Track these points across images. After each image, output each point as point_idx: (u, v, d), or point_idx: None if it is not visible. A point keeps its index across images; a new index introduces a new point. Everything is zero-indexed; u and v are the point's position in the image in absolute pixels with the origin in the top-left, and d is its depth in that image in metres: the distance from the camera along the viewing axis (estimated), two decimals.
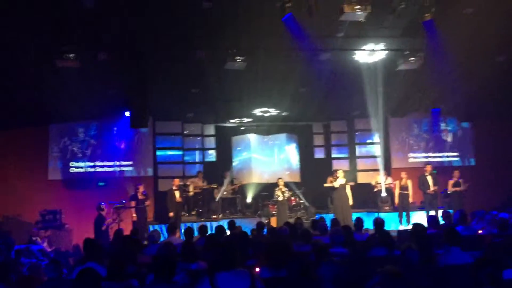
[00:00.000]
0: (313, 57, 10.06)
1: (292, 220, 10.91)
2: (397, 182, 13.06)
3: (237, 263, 4.15)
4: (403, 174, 12.97)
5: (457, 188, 12.84)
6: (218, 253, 4.24)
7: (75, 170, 13.73)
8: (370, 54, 10.15)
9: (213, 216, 13.15)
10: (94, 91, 10.76)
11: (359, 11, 7.82)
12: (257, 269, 4.56)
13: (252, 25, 8.52)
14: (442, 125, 15.76)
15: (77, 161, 13.79)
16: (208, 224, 12.21)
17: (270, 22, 8.19)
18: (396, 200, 12.86)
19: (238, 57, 9.50)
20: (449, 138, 15.87)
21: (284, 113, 14.79)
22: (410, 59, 10.13)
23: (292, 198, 13.72)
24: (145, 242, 8.25)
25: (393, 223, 13.05)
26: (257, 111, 14.19)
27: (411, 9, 8.18)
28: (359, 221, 7.67)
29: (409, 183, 12.78)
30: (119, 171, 14.00)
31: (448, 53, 9.78)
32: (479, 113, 12.00)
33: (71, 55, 8.78)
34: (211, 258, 4.74)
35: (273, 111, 14.08)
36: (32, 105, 11.40)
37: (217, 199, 13.70)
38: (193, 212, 13.57)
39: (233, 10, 8.08)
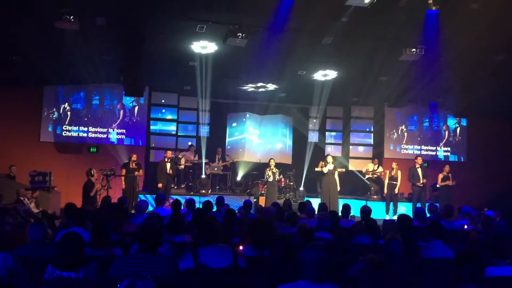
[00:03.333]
0: (315, 40, 10.01)
1: (280, 201, 10.99)
2: (387, 172, 13.12)
3: (220, 239, 4.18)
4: (394, 165, 13.03)
5: (446, 182, 12.95)
6: (203, 228, 4.27)
7: (67, 134, 13.70)
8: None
9: (202, 191, 13.19)
10: (91, 56, 10.64)
11: None
12: (241, 247, 4.59)
13: (253, 2, 8.42)
14: (441, 121, 15.85)
15: (70, 125, 13.75)
16: (196, 198, 12.28)
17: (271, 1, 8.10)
18: (385, 190, 12.94)
19: (240, 34, 9.41)
20: (446, 134, 15.95)
21: (281, 94, 14.74)
22: (412, 50, 10.09)
23: (282, 179, 13.75)
24: (133, 212, 8.28)
25: (380, 212, 13.17)
26: (254, 85, 14.13)
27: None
28: (346, 207, 7.72)
29: (399, 174, 12.84)
30: (110, 138, 13.96)
31: (448, 47, 9.75)
32: (474, 110, 12.01)
33: (71, 17, 8.64)
34: (196, 232, 4.78)
35: (271, 87, 13.98)
36: (29, 65, 11.27)
37: (207, 174, 13.73)
38: (182, 186, 13.58)
39: None
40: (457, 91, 11.15)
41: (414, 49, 10.10)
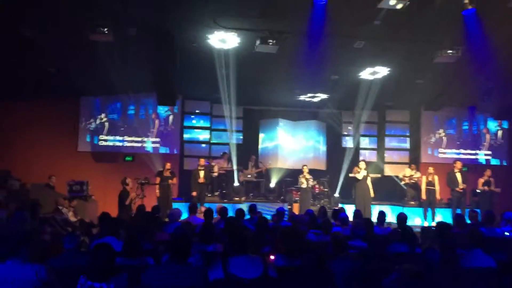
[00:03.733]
0: (347, 45, 9.88)
1: (315, 208, 10.85)
2: (423, 177, 12.76)
3: (251, 248, 4.13)
4: (431, 169, 12.64)
5: (487, 188, 12.47)
6: (233, 237, 4.23)
7: (104, 143, 14.00)
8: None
9: (236, 198, 13.19)
10: (125, 66, 10.82)
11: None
12: (272, 257, 4.52)
13: (286, 8, 8.36)
14: (482, 124, 15.38)
15: (106, 135, 14.04)
16: (230, 206, 12.28)
17: (302, 6, 8.02)
18: (423, 196, 12.55)
19: (270, 40, 9.39)
20: (487, 137, 15.43)
21: (315, 99, 14.63)
22: (448, 51, 9.82)
23: (316, 186, 13.59)
24: (166, 220, 8.32)
25: (418, 219, 12.84)
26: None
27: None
28: (382, 214, 7.52)
29: (436, 179, 12.46)
30: (146, 147, 14.17)
31: (487, 48, 9.42)
32: None
33: (105, 29, 8.83)
34: (227, 242, 4.74)
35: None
36: (65, 77, 11.59)
37: (241, 182, 13.73)
38: (216, 193, 13.62)
39: None
40: (497, 92, 10.74)
41: (450, 51, 9.83)
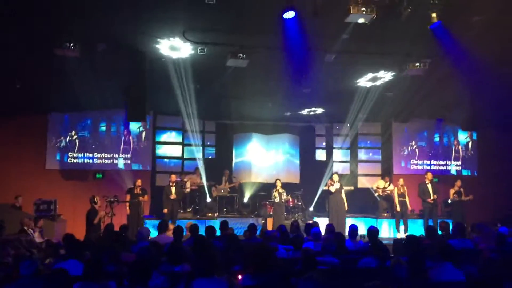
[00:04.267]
0: (316, 58, 9.91)
1: (289, 222, 10.76)
2: (395, 189, 12.85)
3: (219, 268, 4.01)
4: (401, 181, 12.77)
5: (462, 198, 12.61)
6: (200, 258, 4.11)
7: (73, 160, 13.66)
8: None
9: (209, 214, 13.02)
10: (93, 82, 10.59)
11: (364, 14, 7.65)
12: (239, 277, 4.41)
13: (256, 22, 8.34)
14: (452, 136, 15.61)
15: (75, 152, 13.71)
16: (203, 222, 12.12)
17: (271, 21, 8.01)
18: (397, 208, 12.62)
19: (240, 54, 9.36)
20: (457, 148, 15.65)
21: (286, 113, 14.65)
22: (416, 64, 9.96)
23: (290, 199, 13.54)
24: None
25: (391, 231, 12.90)
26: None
27: (418, 13, 7.98)
28: (353, 229, 7.46)
29: (405, 190, 12.57)
30: (117, 164, 13.89)
31: (455, 59, 9.58)
32: (483, 123, 11.74)
33: (70, 44, 8.66)
34: (193, 263, 4.61)
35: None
36: (32, 93, 11.32)
37: (214, 197, 13.58)
38: (189, 209, 13.43)
39: (236, 7, 7.91)
40: (463, 103, 10.92)
41: (418, 64, 9.97)
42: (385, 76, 11.04)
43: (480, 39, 8.41)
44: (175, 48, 9.37)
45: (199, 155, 14.61)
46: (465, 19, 8.06)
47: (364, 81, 11.50)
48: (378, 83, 11.45)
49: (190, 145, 15.09)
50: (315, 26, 8.34)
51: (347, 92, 12.18)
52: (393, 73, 10.78)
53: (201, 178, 13.69)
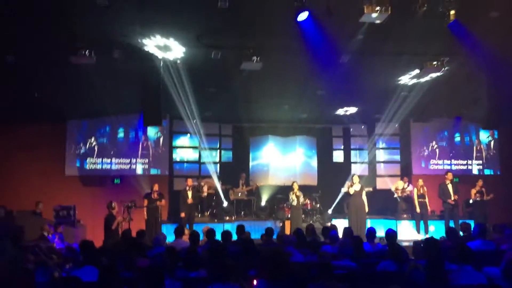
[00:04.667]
0: (332, 59, 9.82)
1: (306, 225, 10.67)
2: (415, 190, 12.65)
3: (235, 273, 3.97)
4: (420, 182, 12.57)
5: (480, 198, 12.38)
6: (215, 264, 4.08)
7: (91, 166, 13.82)
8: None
9: (226, 218, 13.00)
10: (110, 88, 10.72)
11: (378, 13, 7.54)
12: (255, 282, 4.36)
13: (269, 25, 8.31)
14: (473, 135, 15.33)
15: (94, 158, 13.86)
16: (220, 226, 12.12)
17: (286, 22, 7.96)
18: (417, 209, 12.42)
19: (254, 57, 9.32)
20: (479, 147, 15.36)
21: (303, 115, 14.56)
22: (433, 63, 9.79)
23: (308, 202, 13.44)
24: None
25: (412, 232, 12.70)
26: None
27: (434, 12, 7.85)
28: (371, 231, 7.35)
29: (425, 190, 12.36)
30: (134, 169, 13.99)
31: (475, 57, 9.39)
32: (504, 121, 11.48)
33: (86, 51, 8.74)
34: (208, 269, 4.58)
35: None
36: (50, 101, 11.48)
37: (231, 201, 13.57)
38: (206, 213, 13.43)
39: (250, 10, 7.89)
40: (484, 101, 10.69)
41: (435, 62, 9.81)
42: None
43: (498, 35, 8.22)
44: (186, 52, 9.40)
45: (216, 159, 14.61)
46: (483, 15, 7.89)
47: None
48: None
49: (206, 149, 15.14)
50: (330, 27, 8.27)
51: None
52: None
53: (218, 182, 13.68)
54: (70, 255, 9.02)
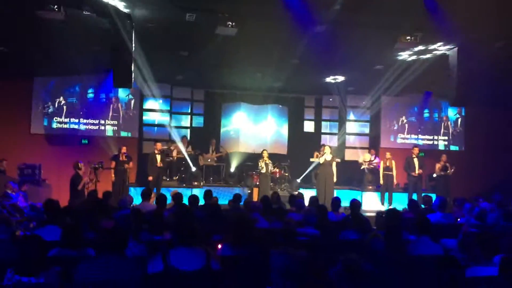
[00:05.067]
0: (307, 28, 9.74)
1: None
2: (381, 162, 12.93)
3: (198, 239, 3.99)
4: (388, 154, 12.83)
5: (444, 172, 12.75)
6: (179, 228, 4.09)
7: (58, 125, 13.52)
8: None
9: (195, 183, 13.03)
10: (80, 46, 10.40)
11: None
12: (219, 246, 4.41)
13: None
14: (442, 111, 15.63)
15: (62, 117, 13.55)
16: (189, 190, 12.17)
17: None
18: (381, 181, 12.74)
19: (229, 22, 9.17)
20: (446, 124, 15.70)
21: (276, 84, 14.50)
22: (406, 38, 9.83)
23: (277, 170, 13.57)
24: None
25: (376, 203, 13.02)
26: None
27: None
28: (336, 200, 7.51)
29: (393, 164, 12.64)
30: (104, 130, 13.77)
31: (447, 33, 9.47)
32: (471, 99, 11.73)
33: (55, 6, 8.41)
34: (173, 233, 4.60)
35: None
36: (17, 57, 11.07)
37: (200, 166, 13.57)
38: (175, 178, 13.41)
39: None
40: (454, 79, 10.86)
41: (409, 37, 9.84)
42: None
43: (472, 14, 8.29)
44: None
45: (186, 123, 14.50)
46: None
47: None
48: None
49: (177, 113, 15.00)
50: None
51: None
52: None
53: (187, 147, 13.62)
54: (33, 213, 8.93)
